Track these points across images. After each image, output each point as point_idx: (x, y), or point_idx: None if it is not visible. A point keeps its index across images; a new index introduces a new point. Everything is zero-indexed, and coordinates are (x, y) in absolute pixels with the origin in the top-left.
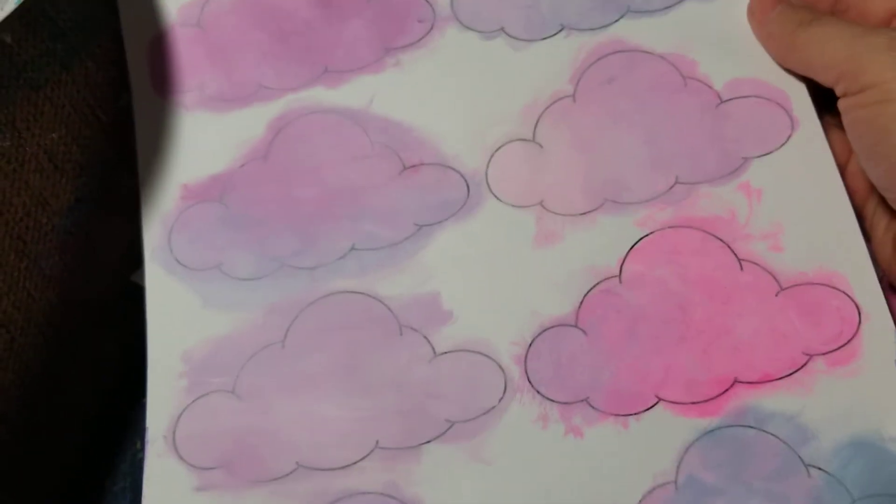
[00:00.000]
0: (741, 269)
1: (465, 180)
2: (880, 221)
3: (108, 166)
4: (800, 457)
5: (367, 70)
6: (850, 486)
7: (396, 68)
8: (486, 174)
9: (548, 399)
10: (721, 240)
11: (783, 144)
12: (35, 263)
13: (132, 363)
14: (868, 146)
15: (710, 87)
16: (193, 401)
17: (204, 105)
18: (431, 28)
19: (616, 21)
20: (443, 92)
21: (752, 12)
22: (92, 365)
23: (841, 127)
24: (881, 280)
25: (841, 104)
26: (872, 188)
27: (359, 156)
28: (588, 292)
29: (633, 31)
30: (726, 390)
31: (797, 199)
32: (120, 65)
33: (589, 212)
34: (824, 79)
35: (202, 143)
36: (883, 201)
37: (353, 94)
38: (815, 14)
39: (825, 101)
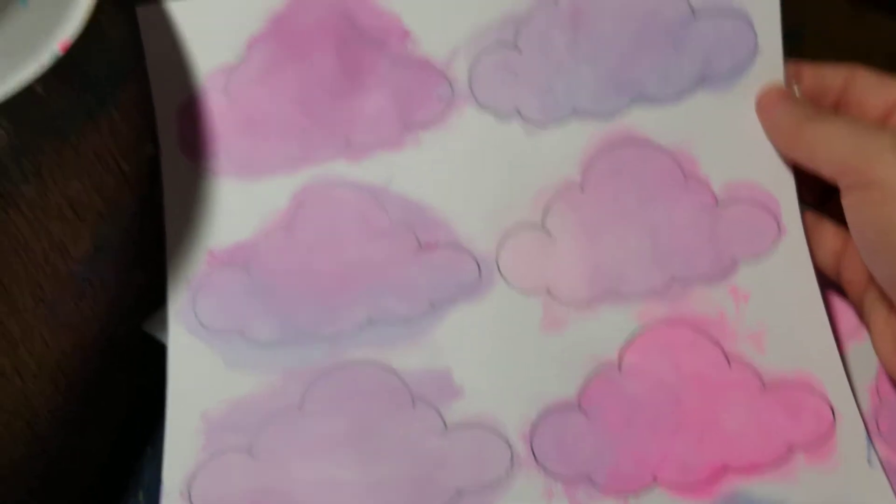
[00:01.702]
0: (729, 366)
1: (478, 263)
2: (879, 314)
3: (128, 215)
4: None
5: (387, 147)
6: None
7: (415, 146)
8: (497, 258)
9: (552, 475)
10: (711, 338)
11: (770, 251)
12: (51, 310)
13: (138, 412)
14: (871, 243)
15: (708, 187)
16: (210, 459)
17: (231, 172)
18: (450, 106)
19: (627, 108)
20: (459, 173)
21: (760, 106)
22: (100, 413)
23: (837, 217)
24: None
25: (844, 199)
26: (870, 280)
27: (378, 233)
28: (590, 378)
29: (642, 120)
30: (718, 476)
31: (779, 304)
32: (145, 116)
33: (592, 302)
34: (829, 172)
35: (229, 210)
36: (882, 294)
37: (373, 170)
38: (821, 110)
39: (822, 192)
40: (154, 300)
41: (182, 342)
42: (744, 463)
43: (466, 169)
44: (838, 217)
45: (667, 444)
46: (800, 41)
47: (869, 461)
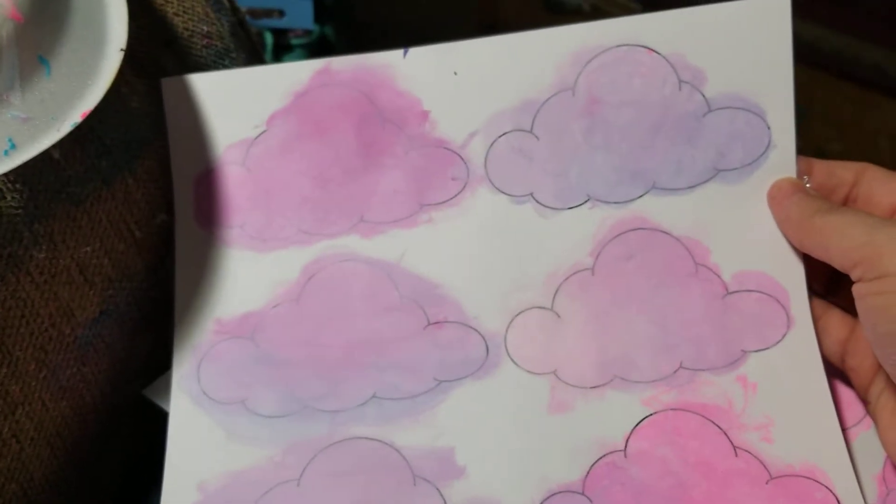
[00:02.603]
0: (736, 455)
1: (486, 341)
2: (886, 405)
3: (136, 281)
4: None
5: (400, 224)
6: None
7: (428, 225)
8: (506, 338)
9: None
10: (718, 427)
11: (778, 342)
12: (53, 374)
13: (135, 478)
14: (883, 334)
15: (718, 276)
16: None
17: (244, 243)
18: (464, 187)
19: (640, 197)
20: (470, 252)
21: (772, 197)
22: (96, 478)
23: (843, 306)
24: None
25: (856, 290)
26: (877, 370)
27: (387, 308)
28: (595, 463)
29: (655, 208)
30: None
31: (787, 395)
32: (160, 184)
33: (599, 386)
34: (841, 263)
35: (239, 281)
36: (890, 384)
37: (385, 246)
38: (832, 204)
39: (829, 280)
40: (156, 367)
41: (184, 410)
42: None
43: (478, 249)
44: (844, 305)
45: None
46: (804, 119)
47: None
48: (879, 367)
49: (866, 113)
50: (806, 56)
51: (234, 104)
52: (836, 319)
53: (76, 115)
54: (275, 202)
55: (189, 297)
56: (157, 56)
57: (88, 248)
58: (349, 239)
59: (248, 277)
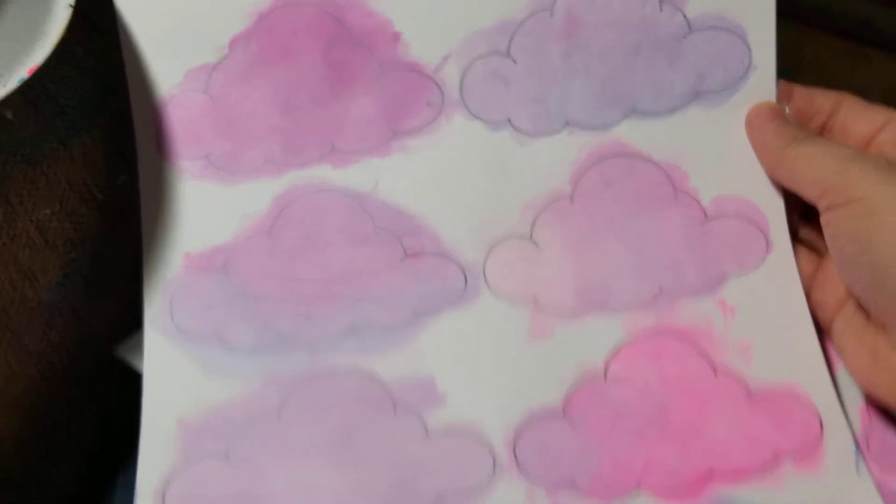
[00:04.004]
0: (715, 376)
1: (464, 272)
2: (851, 335)
3: (99, 244)
4: None
5: (374, 153)
6: None
7: (403, 153)
8: (484, 268)
9: (535, 480)
10: (698, 348)
11: (758, 266)
12: (18, 337)
13: (110, 441)
14: (850, 257)
15: (697, 201)
16: (186, 465)
17: (210, 175)
18: (439, 113)
19: (620, 122)
20: (447, 181)
21: (750, 122)
22: (67, 441)
23: (809, 246)
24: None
25: (824, 217)
26: (842, 304)
27: (362, 239)
28: (575, 387)
29: (634, 133)
30: (704, 481)
31: (767, 317)
32: (119, 145)
33: (579, 312)
34: (810, 193)
35: (207, 213)
36: (855, 311)
37: (359, 176)
38: (808, 133)
39: (799, 215)
40: (124, 330)
41: (158, 347)
42: (730, 469)
43: (454, 177)
44: (811, 242)
45: (652, 450)
46: (793, 76)
47: (857, 470)
48: (844, 300)
49: (856, 68)
50: (795, 11)
51: (193, 27)
52: (802, 257)
53: (23, 71)
54: (241, 131)
55: (156, 232)
56: (112, 15)
57: (48, 211)
58: (320, 169)
59: (217, 210)
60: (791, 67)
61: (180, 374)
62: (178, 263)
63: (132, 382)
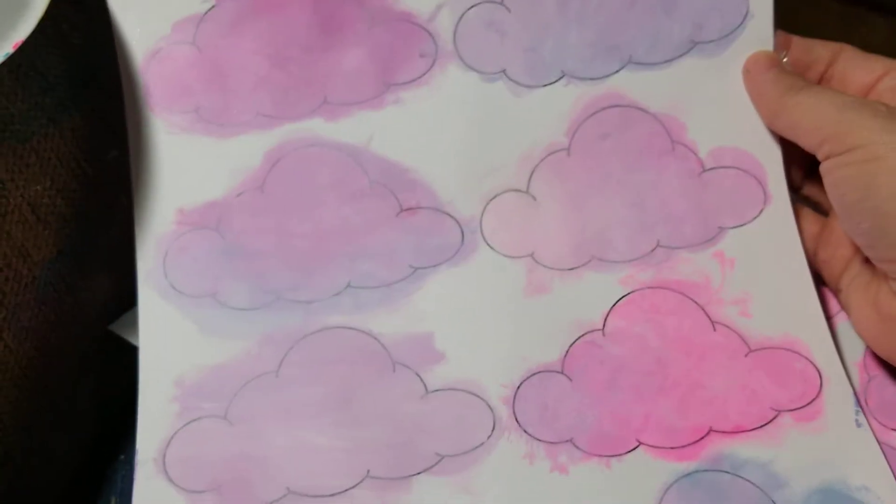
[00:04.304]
0: (714, 330)
1: (460, 227)
2: (857, 289)
3: (92, 220)
4: (773, 501)
5: (366, 105)
6: None
7: (396, 106)
8: (481, 223)
9: (534, 438)
10: (696, 302)
11: (755, 218)
12: (13, 314)
13: (111, 418)
14: (851, 204)
15: (695, 153)
16: (185, 425)
17: (201, 129)
18: (433, 64)
19: (616, 72)
20: (442, 135)
21: (747, 71)
22: (67, 418)
23: (814, 206)
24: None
25: (824, 166)
26: (849, 260)
27: (357, 195)
28: (573, 342)
29: (631, 84)
30: (702, 438)
31: (765, 270)
32: (109, 120)
33: (576, 267)
34: (808, 142)
35: (198, 168)
36: (861, 267)
37: (352, 129)
38: (806, 81)
39: (805, 172)
40: (121, 307)
41: (153, 306)
42: (729, 425)
43: (449, 130)
44: (816, 200)
45: (650, 406)
46: None
47: (857, 422)
48: (850, 256)
49: (852, 30)
50: None
51: None
52: (807, 217)
53: (8, 46)
54: (230, 84)
55: (147, 188)
56: None
57: (39, 187)
58: (313, 122)
59: (208, 165)
60: (787, 30)
61: (176, 334)
62: (171, 219)
63: (131, 358)
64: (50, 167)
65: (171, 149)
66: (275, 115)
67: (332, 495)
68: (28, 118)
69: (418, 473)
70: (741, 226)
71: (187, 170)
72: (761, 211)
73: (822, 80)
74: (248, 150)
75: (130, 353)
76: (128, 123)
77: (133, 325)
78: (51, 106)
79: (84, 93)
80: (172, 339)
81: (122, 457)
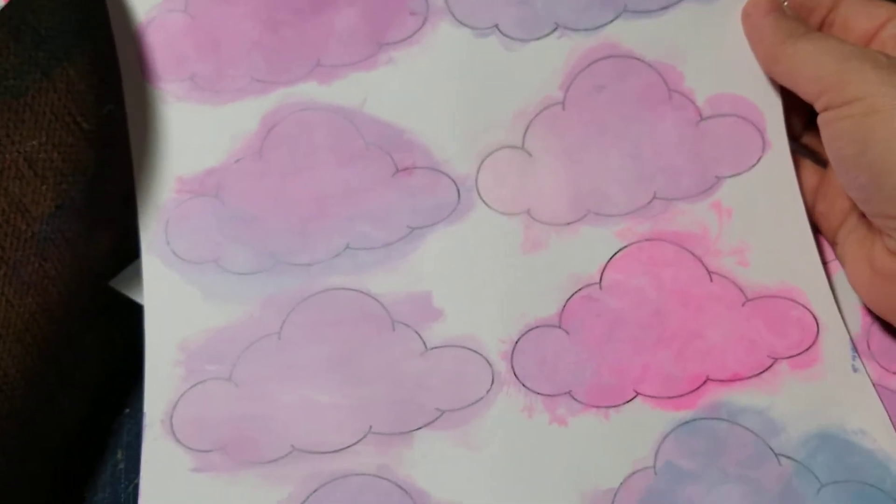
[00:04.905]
0: (711, 280)
1: (456, 185)
2: (853, 243)
3: (90, 174)
4: (770, 447)
5: (359, 66)
6: (818, 472)
7: (389, 66)
8: (477, 180)
9: (533, 392)
10: (693, 253)
11: (754, 165)
12: (14, 270)
13: (116, 372)
14: (848, 157)
15: (692, 102)
16: (190, 387)
17: (196, 96)
18: (424, 22)
19: (611, 21)
20: (435, 93)
21: (746, 15)
22: (72, 373)
23: (814, 158)
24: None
25: (822, 118)
26: (847, 213)
27: (353, 156)
28: (571, 297)
29: (626, 33)
30: (700, 387)
31: (763, 219)
32: (103, 74)
33: (573, 222)
34: (807, 91)
35: (196, 136)
36: (855, 229)
37: (346, 91)
38: (807, 28)
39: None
40: (122, 262)
41: (156, 273)
42: (726, 374)
43: (443, 88)
44: (816, 152)
45: (648, 357)
46: None
47: (853, 367)
48: (848, 210)
49: None
50: None
51: None
52: (807, 169)
53: None
54: (224, 50)
55: (146, 157)
56: None
57: (35, 142)
58: (307, 86)
59: (205, 132)
60: None
61: (180, 299)
62: (171, 187)
63: (133, 313)
64: (45, 122)
65: (169, 117)
66: (269, 80)
67: (336, 451)
68: (21, 72)
69: (419, 428)
70: (739, 174)
71: (185, 138)
72: (760, 158)
73: (823, 26)
74: (244, 116)
75: (132, 308)
76: (125, 93)
77: (133, 280)
78: (44, 60)
79: (77, 47)
80: (176, 305)
81: (128, 410)
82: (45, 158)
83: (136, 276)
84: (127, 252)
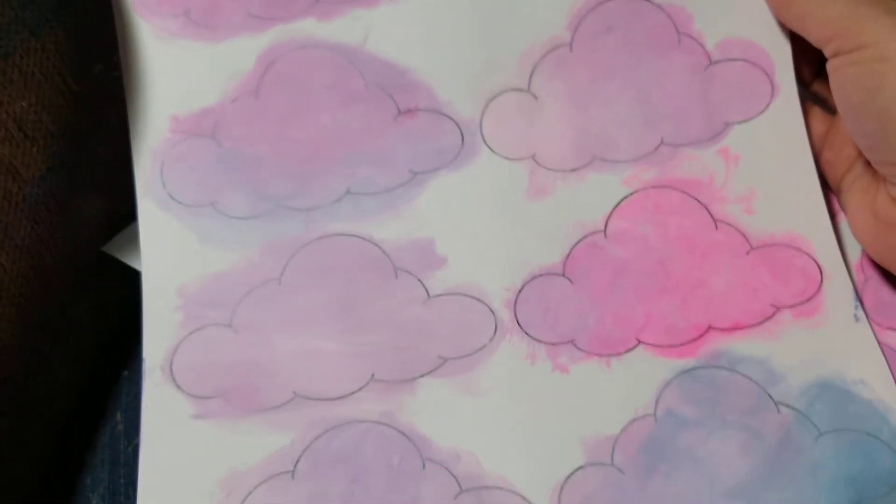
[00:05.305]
0: (716, 228)
1: (460, 129)
2: (857, 191)
3: (82, 136)
4: (770, 395)
5: (361, 2)
6: (817, 421)
7: (391, 3)
8: (481, 124)
9: (536, 340)
10: (699, 201)
11: (762, 111)
12: (6, 233)
13: (110, 338)
14: (857, 104)
15: (702, 46)
16: (189, 334)
17: (191, 33)
18: None
19: None
20: (439, 32)
21: None
22: (67, 337)
23: (819, 102)
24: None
25: (831, 64)
26: (853, 161)
27: (353, 98)
28: (575, 245)
29: None
30: (702, 335)
31: (770, 166)
32: (92, 33)
33: (579, 168)
34: (817, 36)
35: (191, 74)
36: (860, 177)
37: (346, 29)
38: None
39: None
40: (116, 226)
41: (152, 217)
42: (728, 323)
43: (447, 27)
44: (825, 98)
45: (651, 306)
46: None
47: (856, 317)
48: (854, 158)
49: None
50: None
51: None
52: (815, 116)
53: None
54: None
55: (140, 96)
56: None
57: (24, 104)
58: (305, 23)
59: (200, 70)
60: None
61: (177, 243)
62: (165, 127)
63: (128, 278)
64: (34, 83)
65: (162, 54)
66: (266, 16)
67: (338, 398)
68: (9, 32)
69: (422, 376)
70: (747, 120)
71: (179, 76)
72: (768, 104)
73: None
74: (240, 54)
75: (127, 273)
76: (117, 29)
77: (127, 245)
78: (32, 20)
79: (65, 6)
80: (173, 250)
81: (126, 373)
82: (35, 120)
83: (130, 241)
84: (120, 218)
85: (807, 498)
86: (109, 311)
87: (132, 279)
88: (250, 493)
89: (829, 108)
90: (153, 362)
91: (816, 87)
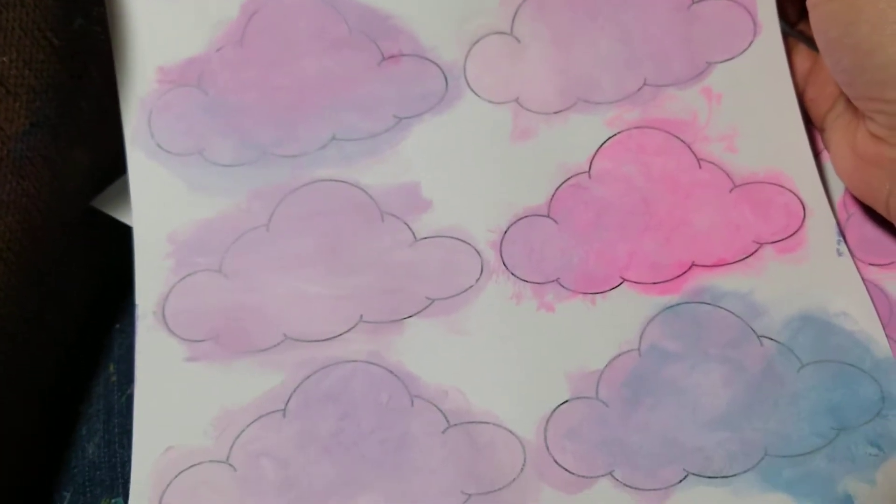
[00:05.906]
0: (699, 167)
1: (444, 73)
2: (839, 128)
3: (64, 91)
4: (752, 328)
5: None
6: (799, 352)
7: None
8: (465, 68)
9: (521, 280)
10: (682, 140)
11: (745, 50)
12: None
13: (101, 292)
14: (834, 39)
15: None
16: (180, 280)
17: None
18: None
19: None
20: None
21: None
22: (58, 293)
23: (805, 40)
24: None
25: (810, 1)
26: (835, 99)
27: (337, 44)
28: (559, 186)
29: None
30: (685, 272)
31: (753, 104)
32: None
33: (562, 110)
34: None
35: (175, 24)
36: (841, 115)
37: None
38: None
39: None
40: (103, 180)
41: (141, 165)
42: (711, 259)
43: None
44: (809, 36)
45: (635, 244)
46: None
47: (838, 251)
48: (836, 95)
49: None
50: None
51: None
52: (800, 53)
53: None
54: None
55: (126, 47)
56: None
57: (5, 59)
58: None
59: (185, 20)
60: None
61: (166, 191)
62: (152, 78)
63: (117, 232)
64: (14, 38)
65: (147, 5)
66: None
67: (328, 339)
68: None
69: (410, 317)
70: (730, 59)
71: (164, 26)
72: (751, 43)
73: None
74: (224, 3)
75: (116, 228)
76: None
77: (115, 199)
78: None
79: None
80: (163, 198)
81: (118, 326)
82: (17, 75)
83: (118, 195)
84: (106, 173)
85: (789, 427)
86: (100, 264)
87: (122, 234)
88: (243, 430)
89: (815, 47)
90: (146, 307)
91: (803, 26)
